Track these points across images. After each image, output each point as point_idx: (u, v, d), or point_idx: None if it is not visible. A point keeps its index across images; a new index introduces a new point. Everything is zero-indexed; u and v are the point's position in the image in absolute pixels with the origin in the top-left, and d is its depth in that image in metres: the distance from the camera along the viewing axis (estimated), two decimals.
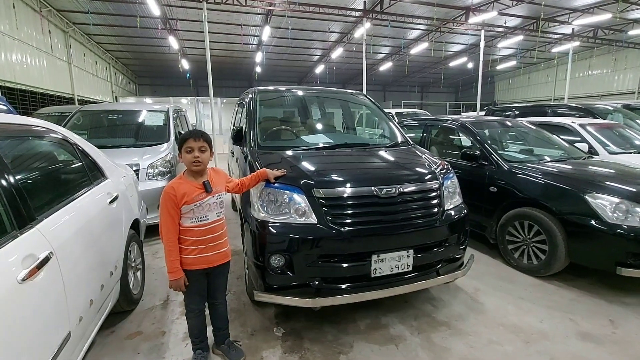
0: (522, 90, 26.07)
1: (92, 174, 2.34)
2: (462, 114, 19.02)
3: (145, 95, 23.53)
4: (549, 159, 3.77)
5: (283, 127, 3.35)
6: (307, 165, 2.44)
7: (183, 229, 1.85)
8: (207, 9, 9.08)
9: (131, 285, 2.62)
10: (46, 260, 1.41)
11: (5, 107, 5.92)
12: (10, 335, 1.17)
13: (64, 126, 4.91)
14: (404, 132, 3.45)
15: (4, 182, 1.42)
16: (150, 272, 3.34)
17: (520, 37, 16.30)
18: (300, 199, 2.19)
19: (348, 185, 2.24)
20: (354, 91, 4.04)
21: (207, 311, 2.09)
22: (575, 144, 4.47)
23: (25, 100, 10.06)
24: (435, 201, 2.42)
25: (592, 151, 4.65)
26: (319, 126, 3.52)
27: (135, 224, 2.88)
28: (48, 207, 1.69)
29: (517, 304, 2.76)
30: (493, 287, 3.03)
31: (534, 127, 4.58)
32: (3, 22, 9.25)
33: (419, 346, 2.25)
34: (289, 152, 2.73)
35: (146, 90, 26.19)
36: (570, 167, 3.53)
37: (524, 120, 5.02)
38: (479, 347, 2.24)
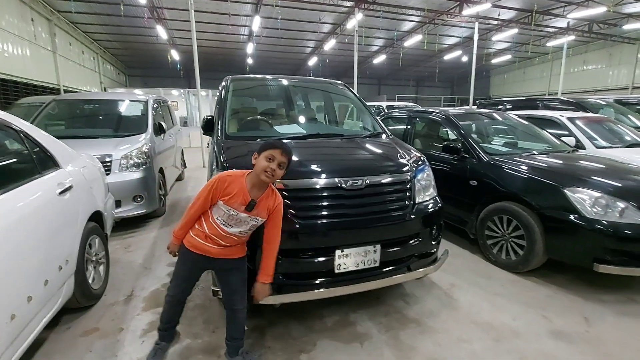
0: (517, 84, 26.02)
1: (42, 163, 2.20)
2: (456, 107, 18.91)
3: (136, 86, 23.12)
4: (532, 152, 3.67)
5: (255, 116, 3.21)
6: None
7: (207, 216, 1.79)
8: None
9: (90, 280, 2.50)
10: None
11: None
12: None
13: (36, 115, 4.75)
14: (382, 124, 3.33)
15: None
16: (118, 267, 3.22)
17: (515, 30, 16.17)
18: None
19: (311, 175, 2.12)
20: (332, 80, 3.91)
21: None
22: (562, 138, 4.39)
23: (7, 89, 9.79)
24: (405, 194, 2.31)
25: (579, 145, 4.57)
26: (292, 116, 3.38)
27: (98, 216, 2.75)
28: None
29: (492, 300, 2.69)
30: (469, 282, 2.95)
31: (520, 121, 4.48)
32: None
33: (384, 344, 2.16)
34: (257, 142, 2.60)
35: (136, 82, 25.76)
36: (552, 160, 3.44)
37: (512, 113, 4.92)
38: (447, 345, 2.16)
